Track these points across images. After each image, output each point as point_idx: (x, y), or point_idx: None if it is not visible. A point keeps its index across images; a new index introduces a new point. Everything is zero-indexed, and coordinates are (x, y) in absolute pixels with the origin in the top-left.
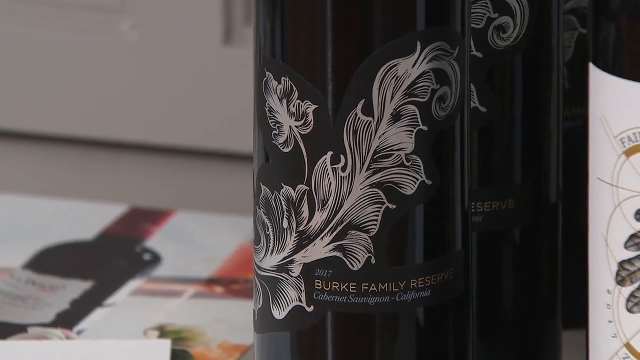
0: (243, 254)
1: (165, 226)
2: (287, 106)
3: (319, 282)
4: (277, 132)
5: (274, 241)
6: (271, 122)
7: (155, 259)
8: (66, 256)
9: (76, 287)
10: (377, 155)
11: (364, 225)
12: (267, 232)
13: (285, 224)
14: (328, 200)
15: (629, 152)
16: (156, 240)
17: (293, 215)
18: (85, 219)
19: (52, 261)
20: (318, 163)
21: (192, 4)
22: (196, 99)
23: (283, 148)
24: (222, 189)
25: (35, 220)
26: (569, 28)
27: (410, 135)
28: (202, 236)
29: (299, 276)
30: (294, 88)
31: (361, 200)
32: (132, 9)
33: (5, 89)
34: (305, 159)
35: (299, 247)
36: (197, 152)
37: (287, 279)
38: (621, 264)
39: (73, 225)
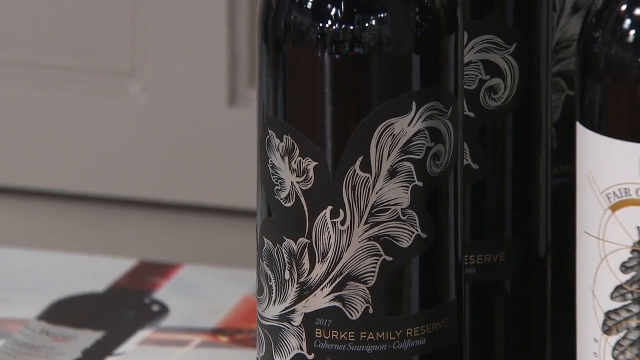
0: (247, 305)
1: (172, 279)
2: (289, 163)
3: (319, 331)
4: (279, 188)
5: (276, 292)
6: (274, 178)
7: (163, 310)
8: (78, 308)
9: (88, 337)
10: (375, 210)
11: (362, 276)
12: (270, 283)
13: (287, 276)
14: (328, 252)
15: (614, 207)
16: (164, 293)
17: (294, 267)
18: (97, 273)
19: (65, 312)
20: (318, 217)
21: (198, 68)
22: (202, 158)
23: (285, 203)
24: (226, 243)
25: (49, 274)
26: (557, 90)
27: (406, 191)
28: (208, 288)
29: (300, 325)
30: (295, 146)
31: (359, 252)
32: (141, 73)
33: (22, 149)
34: (306, 213)
35: (300, 297)
36: (202, 208)
37: (288, 328)
38: (607, 314)
39: (85, 279)
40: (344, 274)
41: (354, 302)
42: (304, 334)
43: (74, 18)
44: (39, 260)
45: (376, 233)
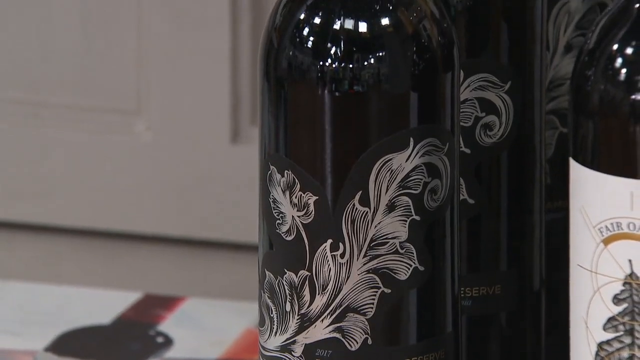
0: (249, 337)
1: (176, 311)
2: (290, 197)
3: None
4: (280, 222)
5: (277, 323)
6: (275, 213)
7: (168, 342)
8: (85, 340)
9: None
10: (374, 243)
11: (361, 308)
12: (271, 315)
13: (288, 307)
14: (328, 285)
15: (607, 241)
16: (168, 325)
17: (295, 299)
18: (103, 305)
19: (72, 344)
20: (318, 250)
21: (202, 107)
22: (206, 194)
23: (286, 236)
24: (229, 276)
25: (57, 306)
26: (551, 127)
27: (404, 225)
28: (211, 320)
29: (300, 356)
30: (296, 181)
31: (359, 285)
32: (147, 112)
33: (31, 185)
34: (307, 246)
35: (301, 328)
36: (206, 242)
37: (289, 359)
38: (600, 345)
39: (92, 311)
40: (343, 306)
41: (353, 333)
42: None
43: (82, 59)
44: (47, 293)
45: (375, 266)
